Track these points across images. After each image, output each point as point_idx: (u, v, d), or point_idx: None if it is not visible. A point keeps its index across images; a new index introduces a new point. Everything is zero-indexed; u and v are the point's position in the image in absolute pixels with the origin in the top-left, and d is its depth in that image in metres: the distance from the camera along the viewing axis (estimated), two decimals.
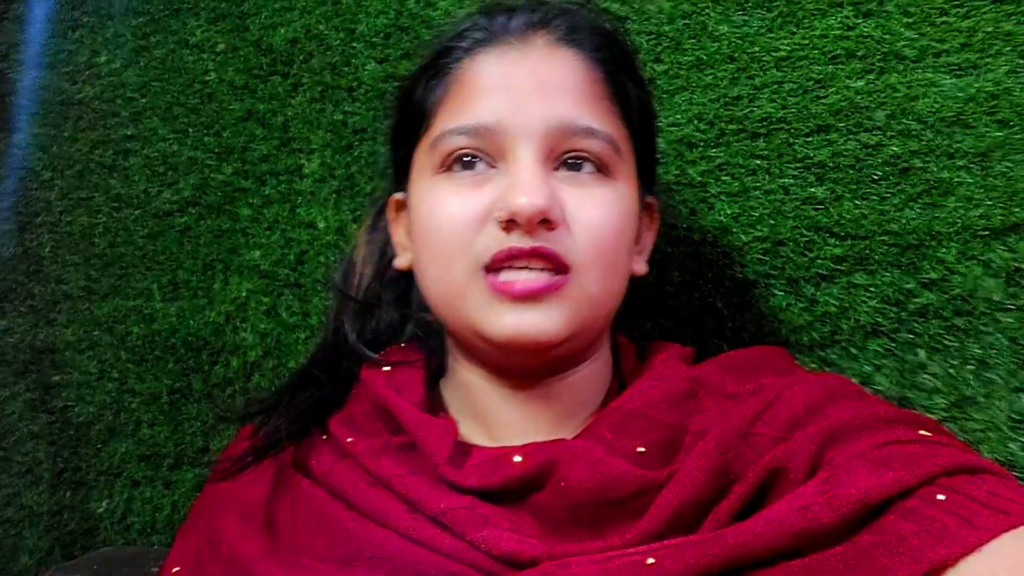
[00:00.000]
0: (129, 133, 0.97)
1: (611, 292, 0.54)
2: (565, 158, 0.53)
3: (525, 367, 0.55)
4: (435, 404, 0.59)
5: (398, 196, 0.62)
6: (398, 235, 0.62)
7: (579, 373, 0.57)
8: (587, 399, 0.57)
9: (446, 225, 0.53)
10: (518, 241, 0.50)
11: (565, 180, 0.53)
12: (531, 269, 0.51)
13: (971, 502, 0.41)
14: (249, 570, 0.50)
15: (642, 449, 0.50)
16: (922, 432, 0.47)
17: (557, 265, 0.51)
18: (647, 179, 0.61)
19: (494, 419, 0.56)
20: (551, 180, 0.52)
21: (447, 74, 0.56)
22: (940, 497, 0.41)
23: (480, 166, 0.53)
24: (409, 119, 0.59)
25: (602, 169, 0.54)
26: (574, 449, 0.50)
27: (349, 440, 0.54)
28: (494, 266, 0.51)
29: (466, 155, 0.53)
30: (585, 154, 0.53)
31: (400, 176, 0.61)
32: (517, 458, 0.50)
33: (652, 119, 0.61)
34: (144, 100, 0.96)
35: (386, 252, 0.65)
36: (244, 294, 0.91)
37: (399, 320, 0.65)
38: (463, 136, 0.53)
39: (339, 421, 0.57)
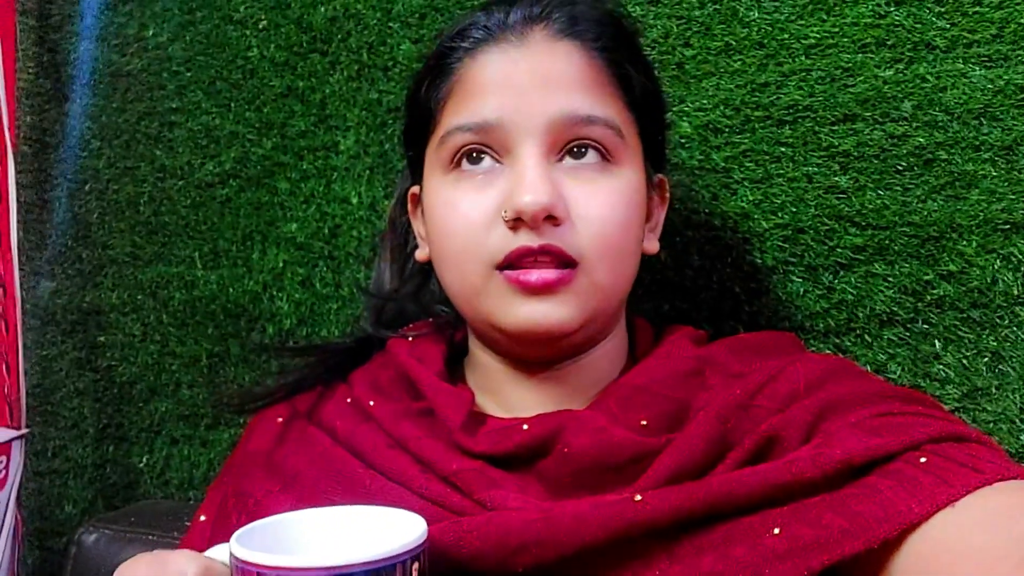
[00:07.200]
0: (174, 106, 1.00)
1: (620, 279, 0.56)
2: (569, 147, 0.54)
3: (540, 356, 0.57)
4: (455, 376, 0.62)
5: (415, 190, 0.64)
6: (417, 227, 0.64)
7: (592, 354, 0.59)
8: (600, 377, 0.59)
9: (460, 228, 0.55)
10: (526, 239, 0.52)
11: (569, 173, 0.54)
12: (540, 265, 0.53)
13: (949, 463, 0.42)
14: None
15: (645, 422, 0.52)
16: (918, 407, 0.48)
17: (565, 260, 0.53)
18: (656, 159, 0.62)
19: (508, 396, 0.59)
20: (556, 174, 0.54)
21: (450, 74, 0.57)
22: (922, 460, 0.43)
23: (486, 161, 0.55)
24: (417, 119, 0.60)
25: (606, 156, 0.55)
26: (579, 419, 0.52)
27: (371, 403, 0.58)
28: (506, 264, 0.53)
29: (472, 150, 0.55)
30: (588, 141, 0.54)
31: (416, 172, 0.63)
32: (525, 426, 0.53)
33: (658, 101, 0.62)
34: (189, 74, 0.99)
35: (408, 241, 0.67)
36: (281, 264, 0.94)
37: (419, 312, 0.68)
38: (468, 133, 0.55)
39: (364, 385, 0.61)
